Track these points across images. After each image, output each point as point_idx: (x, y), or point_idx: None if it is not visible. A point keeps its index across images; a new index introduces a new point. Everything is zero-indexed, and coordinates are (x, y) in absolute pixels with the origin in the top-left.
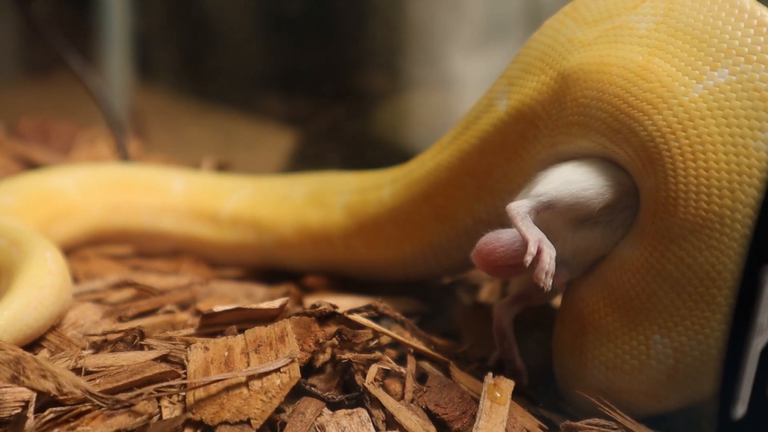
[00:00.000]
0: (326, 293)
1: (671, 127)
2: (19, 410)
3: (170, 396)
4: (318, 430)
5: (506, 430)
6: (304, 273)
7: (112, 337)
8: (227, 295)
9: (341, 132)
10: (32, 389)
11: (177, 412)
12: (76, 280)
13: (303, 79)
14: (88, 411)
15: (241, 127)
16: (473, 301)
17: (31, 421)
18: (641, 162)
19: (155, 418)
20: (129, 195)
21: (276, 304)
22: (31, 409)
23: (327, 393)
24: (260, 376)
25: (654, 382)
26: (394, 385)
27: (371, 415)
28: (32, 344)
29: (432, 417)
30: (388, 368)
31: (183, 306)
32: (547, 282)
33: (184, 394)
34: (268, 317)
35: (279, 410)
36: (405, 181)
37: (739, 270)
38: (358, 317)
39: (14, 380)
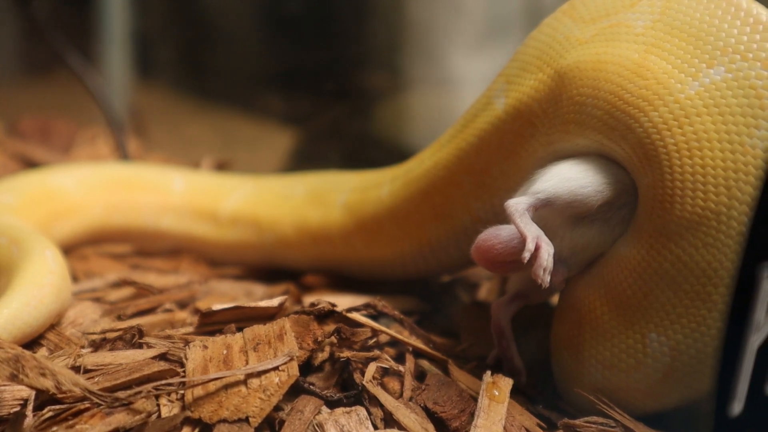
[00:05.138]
0: (325, 292)
1: (667, 123)
2: (18, 408)
3: (169, 394)
4: (316, 428)
5: (505, 428)
6: (303, 272)
7: (111, 335)
8: (226, 294)
9: (341, 131)
10: (31, 387)
11: (175, 410)
12: (75, 278)
13: (303, 78)
14: (87, 409)
15: (241, 126)
16: (472, 299)
17: (30, 420)
18: (638, 159)
19: (154, 416)
20: (129, 194)
21: (275, 302)
22: (30, 407)
23: (325, 391)
24: (259, 374)
25: (650, 381)
26: (393, 384)
27: (370, 414)
28: (31, 342)
29: (430, 415)
30: (387, 366)
31: (182, 304)
32: (545, 279)
33: (182, 392)
34: (266, 316)
35: (277, 408)
36: (404, 180)
37: (736, 267)
38: (356, 316)
39: (13, 378)
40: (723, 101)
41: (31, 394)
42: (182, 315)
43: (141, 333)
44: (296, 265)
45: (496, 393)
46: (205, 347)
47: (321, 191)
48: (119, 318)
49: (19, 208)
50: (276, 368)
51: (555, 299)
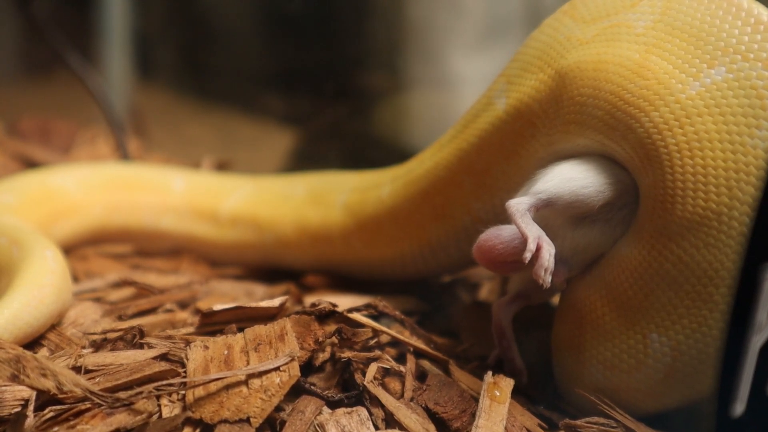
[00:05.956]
0: (326, 292)
1: (668, 123)
2: (19, 409)
3: (170, 394)
4: (317, 428)
5: (506, 428)
6: (304, 272)
7: (111, 335)
8: (227, 294)
9: (341, 131)
10: (32, 388)
11: (176, 411)
12: (76, 278)
13: (303, 78)
14: (88, 409)
15: (242, 126)
16: (473, 299)
17: (30, 420)
18: (639, 159)
19: (155, 417)
20: (129, 194)
21: (276, 302)
22: (31, 407)
23: (326, 391)
24: (260, 374)
25: (651, 381)
26: (394, 384)
27: (371, 414)
28: (32, 343)
29: (431, 415)
30: (388, 367)
31: (183, 305)
32: (546, 279)
33: (183, 392)
34: (267, 316)
35: (278, 409)
36: (404, 180)
37: (737, 268)
38: (357, 316)
39: (14, 379)
40: (724, 101)
41: (32, 394)
42: (183, 315)
43: (142, 333)
44: (296, 266)
45: (497, 393)
46: (206, 347)
47: (321, 191)
48: (120, 318)
49: (19, 208)
50: (277, 368)
51: (556, 299)
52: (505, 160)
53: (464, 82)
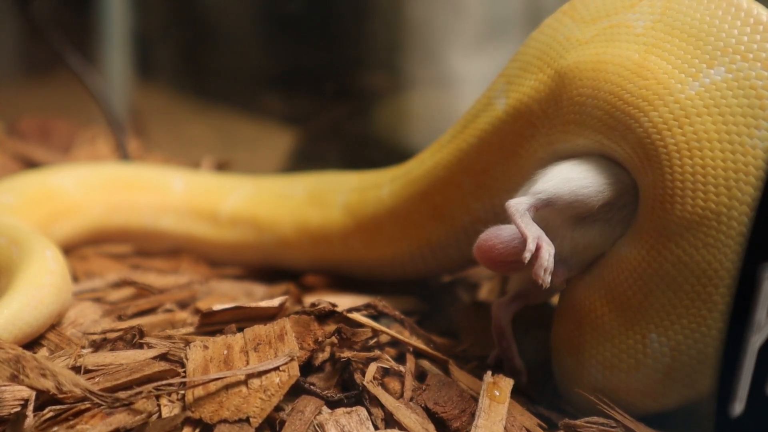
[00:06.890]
0: (326, 292)
1: (667, 123)
2: (18, 409)
3: (169, 394)
4: (317, 428)
5: (505, 428)
6: (303, 272)
7: (111, 335)
8: (227, 294)
9: (341, 131)
10: (32, 388)
11: (176, 411)
12: (75, 278)
13: (303, 78)
14: (88, 409)
15: (241, 126)
16: (473, 299)
17: (30, 420)
18: (638, 159)
19: (154, 417)
20: (129, 194)
21: (275, 302)
22: (31, 407)
23: (326, 391)
24: (259, 374)
25: (651, 381)
26: (393, 384)
27: (370, 414)
28: (32, 343)
29: (431, 415)
30: (388, 367)
31: (182, 305)
32: (546, 279)
33: (183, 392)
34: (267, 316)
35: (278, 408)
36: (404, 180)
37: (736, 268)
38: (357, 316)
39: (14, 379)
40: (723, 101)
41: (32, 394)
42: (183, 315)
43: (141, 333)
44: (296, 266)
45: (497, 393)
46: (206, 347)
47: (321, 191)
48: (120, 318)
49: (19, 208)
50: (276, 368)
51: (555, 299)
52: (504, 160)
53: (464, 82)
